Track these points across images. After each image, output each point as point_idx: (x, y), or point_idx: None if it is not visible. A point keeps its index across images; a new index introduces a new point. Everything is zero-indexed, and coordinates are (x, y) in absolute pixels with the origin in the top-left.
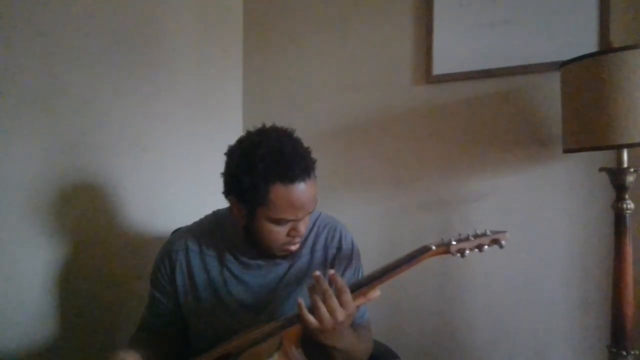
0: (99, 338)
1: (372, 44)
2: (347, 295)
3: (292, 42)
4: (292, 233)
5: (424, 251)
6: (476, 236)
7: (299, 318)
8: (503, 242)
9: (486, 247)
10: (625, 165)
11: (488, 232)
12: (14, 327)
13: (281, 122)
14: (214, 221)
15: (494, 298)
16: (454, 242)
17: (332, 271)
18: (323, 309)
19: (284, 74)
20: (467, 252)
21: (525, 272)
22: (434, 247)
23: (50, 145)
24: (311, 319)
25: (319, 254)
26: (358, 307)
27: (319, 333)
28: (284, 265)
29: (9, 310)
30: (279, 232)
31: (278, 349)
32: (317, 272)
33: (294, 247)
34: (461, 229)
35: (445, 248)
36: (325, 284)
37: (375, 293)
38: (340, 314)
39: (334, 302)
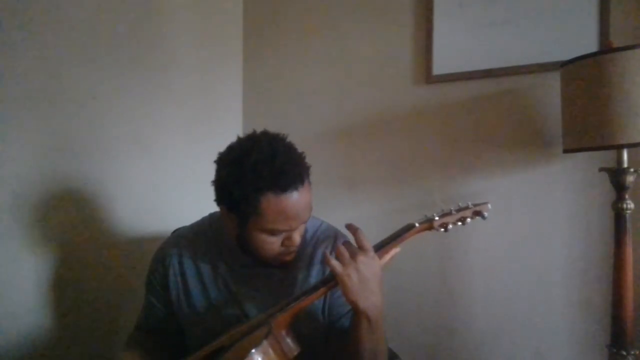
0: (97, 339)
1: (372, 44)
2: (367, 243)
3: (292, 42)
4: (286, 243)
5: (408, 229)
6: (458, 210)
7: (305, 293)
8: (485, 214)
9: (469, 219)
10: (625, 165)
11: (470, 205)
12: (11, 329)
13: (281, 122)
14: (209, 226)
15: (494, 298)
16: (436, 218)
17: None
18: (345, 253)
19: (284, 73)
20: (450, 226)
21: (525, 272)
22: (417, 225)
23: (47, 147)
24: (334, 261)
25: (316, 268)
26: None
27: (345, 281)
28: (278, 276)
29: (6, 313)
30: (273, 243)
31: (267, 337)
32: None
33: (289, 257)
34: (461, 228)
35: (428, 224)
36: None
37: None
38: (360, 255)
39: (354, 246)
